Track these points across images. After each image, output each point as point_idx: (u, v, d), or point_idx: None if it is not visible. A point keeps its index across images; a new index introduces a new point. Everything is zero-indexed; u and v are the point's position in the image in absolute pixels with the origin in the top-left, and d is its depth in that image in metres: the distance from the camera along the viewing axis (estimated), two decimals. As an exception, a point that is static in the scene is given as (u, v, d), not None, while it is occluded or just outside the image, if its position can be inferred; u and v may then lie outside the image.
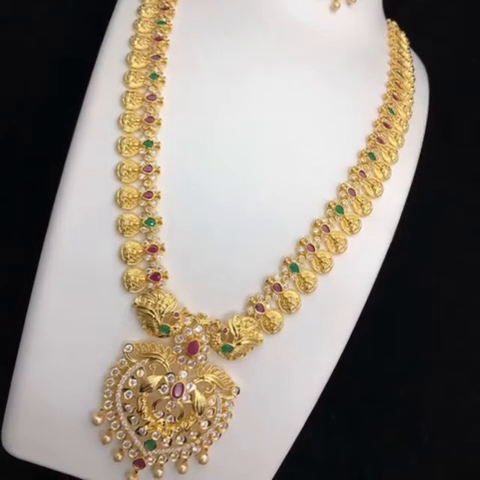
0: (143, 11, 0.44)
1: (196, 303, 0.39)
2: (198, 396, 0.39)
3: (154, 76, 0.41)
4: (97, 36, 0.42)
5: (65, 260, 0.39)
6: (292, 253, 0.40)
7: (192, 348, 0.39)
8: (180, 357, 0.39)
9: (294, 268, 0.39)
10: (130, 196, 0.39)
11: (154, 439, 0.39)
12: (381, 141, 0.43)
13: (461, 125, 0.64)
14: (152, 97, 0.41)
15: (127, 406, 0.39)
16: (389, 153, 0.43)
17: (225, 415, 0.40)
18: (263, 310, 0.39)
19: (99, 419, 0.39)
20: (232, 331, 0.39)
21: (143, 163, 0.39)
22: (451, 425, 0.59)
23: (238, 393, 0.40)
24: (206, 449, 0.40)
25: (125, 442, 0.39)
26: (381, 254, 0.41)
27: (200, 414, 0.39)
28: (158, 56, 0.42)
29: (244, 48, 0.43)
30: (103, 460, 0.40)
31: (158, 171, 0.39)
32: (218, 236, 0.39)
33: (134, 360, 0.39)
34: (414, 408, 0.59)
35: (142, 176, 0.39)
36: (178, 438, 0.39)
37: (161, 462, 0.40)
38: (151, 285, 0.38)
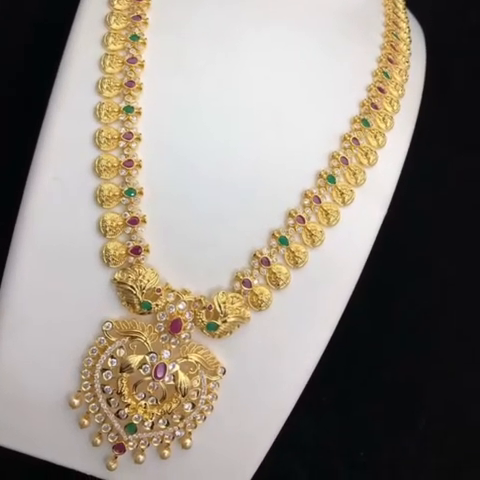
0: (123, -32, 0.42)
1: (179, 278, 0.38)
2: (181, 377, 0.38)
3: (135, 38, 0.40)
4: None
5: (40, 233, 0.37)
6: (281, 225, 0.39)
7: (175, 326, 0.37)
8: (162, 335, 0.37)
9: (283, 241, 0.38)
10: (109, 165, 0.38)
11: (135, 422, 0.38)
12: (375, 107, 0.42)
13: (460, 89, 0.63)
14: (133, 60, 0.39)
15: (106, 387, 0.38)
16: (384, 119, 0.42)
17: (210, 397, 0.39)
18: (250, 286, 0.38)
19: (76, 401, 0.38)
20: (217, 308, 0.37)
21: (123, 130, 0.38)
22: (450, 408, 0.58)
23: (224, 374, 0.38)
24: (190, 433, 0.39)
25: (104, 426, 0.38)
26: (375, 226, 0.40)
27: (183, 396, 0.38)
28: (139, 16, 0.41)
29: (231, 8, 0.42)
30: (80, 445, 0.39)
31: (139, 138, 0.38)
32: (202, 207, 0.38)
33: (114, 338, 0.38)
34: (411, 390, 0.58)
35: (122, 144, 0.38)
36: (160, 421, 0.38)
37: (142, 447, 0.39)
38: (132, 259, 0.37)
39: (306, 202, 0.39)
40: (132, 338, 0.37)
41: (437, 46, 0.49)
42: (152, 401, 0.38)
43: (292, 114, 0.40)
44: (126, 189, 0.38)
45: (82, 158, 0.38)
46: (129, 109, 0.38)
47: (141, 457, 0.39)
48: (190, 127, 0.38)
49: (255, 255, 0.38)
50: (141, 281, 0.37)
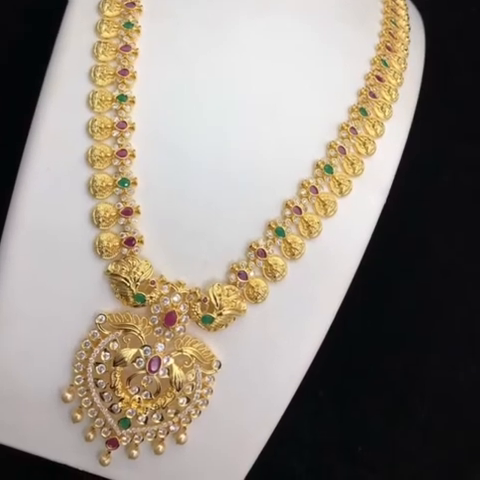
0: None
1: (174, 270, 0.37)
2: (176, 371, 0.37)
3: (128, 25, 0.39)
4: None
5: (32, 224, 0.37)
6: (277, 216, 0.38)
7: (169, 319, 0.37)
8: (157, 328, 0.37)
9: (280, 232, 0.38)
10: (102, 154, 0.37)
11: (128, 417, 0.37)
12: (373, 95, 0.41)
13: (460, 78, 0.62)
14: (126, 48, 0.39)
15: (99, 381, 0.37)
16: (382, 108, 0.41)
17: (205, 391, 0.38)
18: (246, 278, 0.37)
19: (69, 395, 0.38)
20: (213, 300, 0.37)
21: (117, 119, 0.38)
22: (450, 402, 0.57)
23: (219, 367, 0.38)
24: (185, 428, 0.38)
25: (97, 420, 0.38)
26: (373, 217, 0.39)
27: (178, 390, 0.37)
28: (133, 3, 0.40)
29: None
30: (73, 440, 0.39)
31: (133, 128, 0.38)
32: (197, 198, 0.37)
33: (107, 332, 0.37)
34: (410, 383, 0.58)
35: (115, 133, 0.37)
36: (154, 416, 0.38)
37: (136, 442, 0.38)
38: (125, 251, 0.37)
39: (303, 192, 0.38)
40: (126, 331, 0.37)
41: (436, 34, 0.49)
42: (146, 395, 0.37)
43: (289, 103, 0.39)
44: (119, 179, 0.37)
45: (75, 147, 0.37)
46: (123, 98, 0.38)
47: (135, 452, 0.38)
48: (185, 116, 0.38)
49: (251, 247, 0.37)
50: (135, 273, 0.36)
